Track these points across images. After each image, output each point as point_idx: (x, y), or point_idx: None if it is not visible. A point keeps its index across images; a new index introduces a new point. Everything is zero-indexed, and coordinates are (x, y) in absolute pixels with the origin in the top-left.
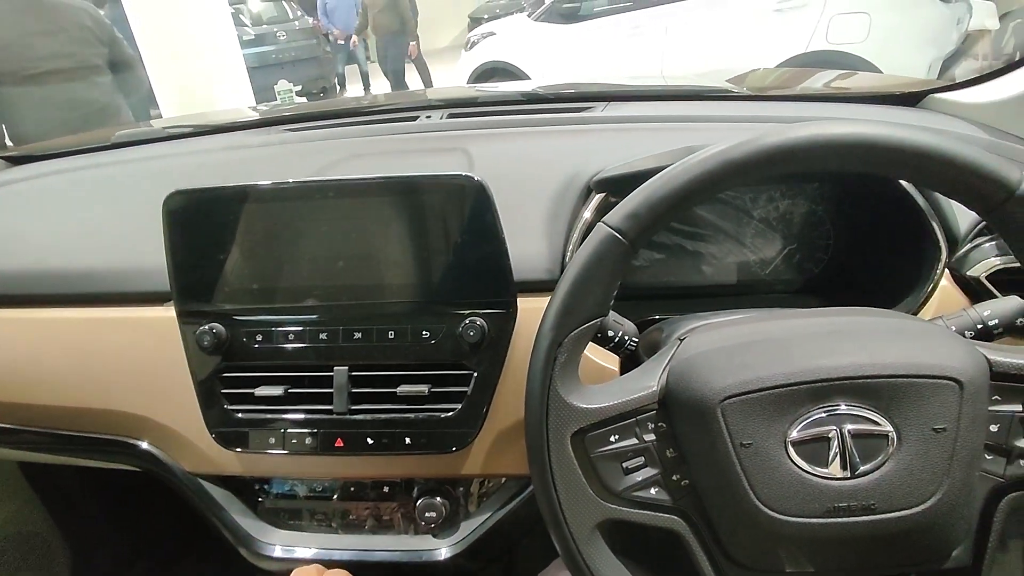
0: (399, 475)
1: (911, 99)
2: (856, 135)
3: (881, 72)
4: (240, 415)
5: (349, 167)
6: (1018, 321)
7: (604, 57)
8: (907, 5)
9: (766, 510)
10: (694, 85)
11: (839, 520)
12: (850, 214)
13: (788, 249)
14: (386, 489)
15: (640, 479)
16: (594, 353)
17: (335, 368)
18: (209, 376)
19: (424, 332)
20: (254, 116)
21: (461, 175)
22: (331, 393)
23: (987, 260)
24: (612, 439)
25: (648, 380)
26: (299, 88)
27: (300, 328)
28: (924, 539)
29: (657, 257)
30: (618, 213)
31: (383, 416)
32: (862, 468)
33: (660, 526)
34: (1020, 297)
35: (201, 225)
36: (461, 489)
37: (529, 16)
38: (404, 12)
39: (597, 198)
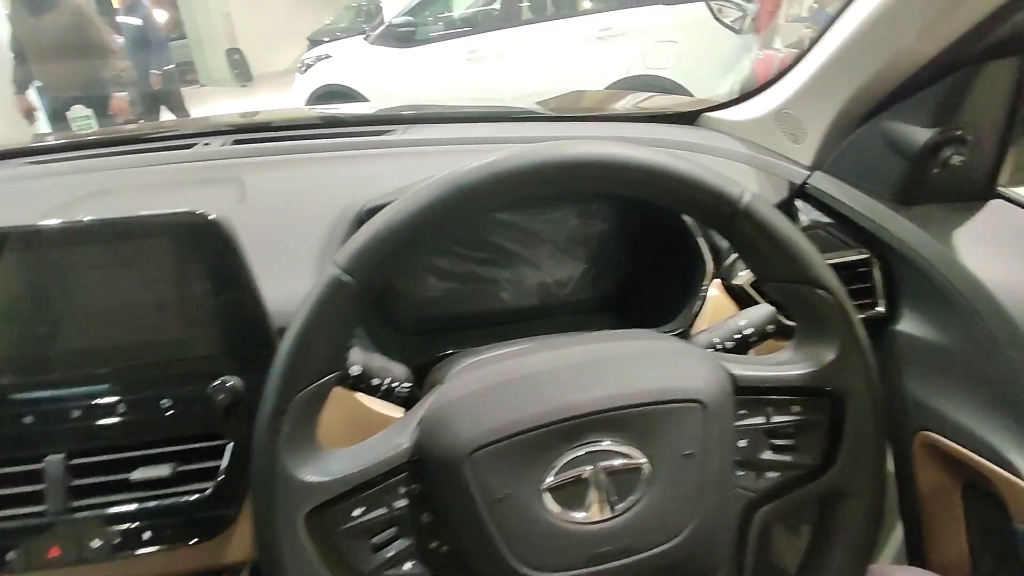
0: None
1: (689, 118)
2: (587, 155)
3: (691, 94)
4: None
5: (91, 205)
6: (768, 328)
7: (441, 81)
8: (706, 35)
9: (526, 569)
10: (499, 106)
11: (601, 568)
12: (635, 231)
13: (583, 268)
14: None
15: (392, 554)
16: (374, 403)
17: (47, 459)
18: None
19: (163, 401)
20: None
21: (191, 212)
22: (43, 490)
23: (747, 270)
24: (356, 512)
25: (399, 437)
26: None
27: None
28: (685, 571)
29: (450, 287)
30: (345, 252)
31: (112, 510)
32: (619, 506)
33: None
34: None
35: None
36: None
37: (365, 39)
38: (97, 41)
39: None
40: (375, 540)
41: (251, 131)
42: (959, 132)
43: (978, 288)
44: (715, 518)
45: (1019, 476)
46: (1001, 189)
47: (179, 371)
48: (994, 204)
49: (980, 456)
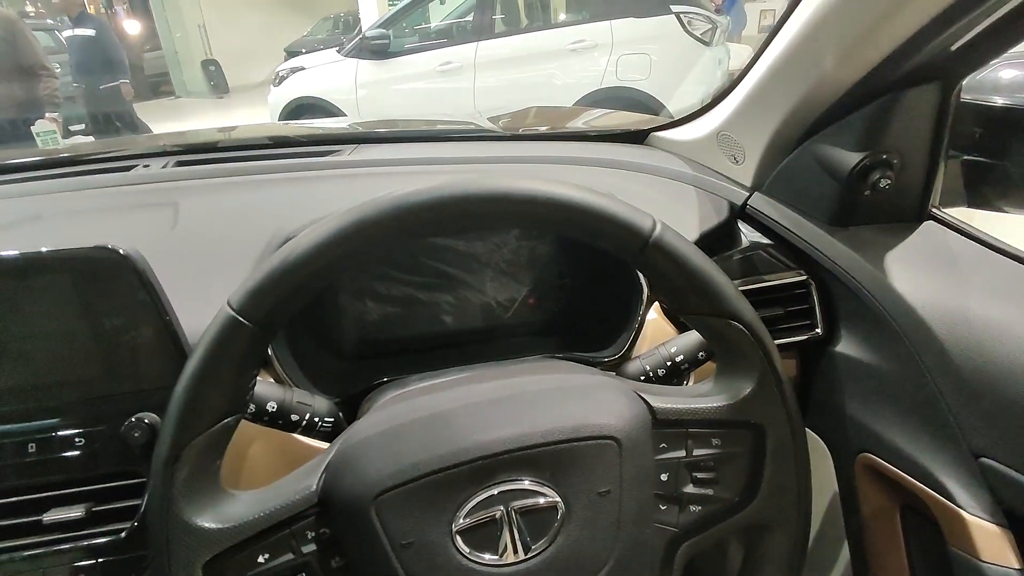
0: None
1: (638, 137)
2: (495, 190)
3: (663, 104)
4: None
5: (19, 232)
6: (699, 355)
7: (415, 93)
8: (677, 48)
9: None
10: (450, 126)
11: None
12: (577, 254)
13: (526, 291)
14: None
15: None
16: (304, 436)
17: None
18: None
19: (77, 439)
20: None
21: (102, 247)
22: None
23: None
24: (262, 559)
25: (307, 479)
26: (83, 127)
27: None
28: None
29: (390, 310)
30: (240, 292)
31: (25, 553)
32: (534, 547)
33: None
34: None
35: None
36: None
37: (339, 51)
38: (30, 58)
39: None
40: None
41: (195, 152)
42: (885, 156)
43: (907, 311)
44: (634, 555)
45: (950, 499)
46: (935, 211)
47: (94, 409)
48: (926, 226)
49: (915, 479)
